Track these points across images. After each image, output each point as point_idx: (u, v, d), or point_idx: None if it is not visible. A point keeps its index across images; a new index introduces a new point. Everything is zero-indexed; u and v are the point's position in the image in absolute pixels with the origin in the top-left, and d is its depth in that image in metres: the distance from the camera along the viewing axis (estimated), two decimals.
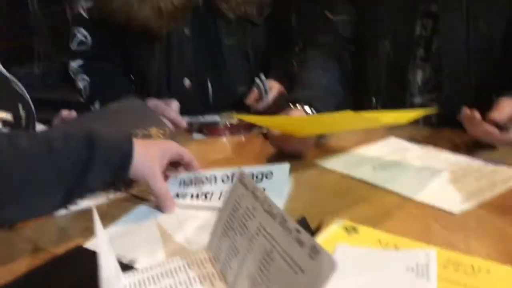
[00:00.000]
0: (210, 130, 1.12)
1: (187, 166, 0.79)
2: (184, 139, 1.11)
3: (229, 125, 1.12)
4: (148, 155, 0.68)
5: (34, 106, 1.04)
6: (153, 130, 0.92)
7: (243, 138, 1.08)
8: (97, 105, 1.19)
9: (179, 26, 1.20)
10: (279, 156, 0.91)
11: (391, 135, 0.99)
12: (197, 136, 1.12)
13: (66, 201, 0.62)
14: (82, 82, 1.23)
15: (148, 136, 0.89)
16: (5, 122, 0.78)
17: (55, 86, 5.12)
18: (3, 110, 0.79)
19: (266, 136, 0.97)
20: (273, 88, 1.19)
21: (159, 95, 1.20)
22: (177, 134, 1.10)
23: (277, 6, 1.29)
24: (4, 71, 0.88)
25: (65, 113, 1.03)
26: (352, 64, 1.15)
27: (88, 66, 1.24)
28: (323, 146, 0.97)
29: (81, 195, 0.65)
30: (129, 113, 1.00)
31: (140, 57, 1.23)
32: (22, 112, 0.85)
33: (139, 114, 1.01)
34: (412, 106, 1.06)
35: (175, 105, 1.13)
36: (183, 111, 1.15)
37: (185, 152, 0.77)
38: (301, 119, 0.91)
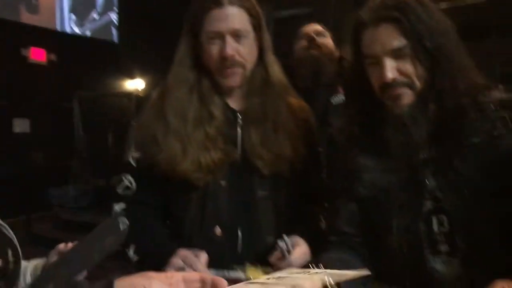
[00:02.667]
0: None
1: None
2: None
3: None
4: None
5: (65, 228, 1.10)
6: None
7: None
8: (132, 249, 1.27)
9: (216, 178, 1.31)
10: None
11: None
12: None
13: None
14: (121, 225, 1.32)
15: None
16: None
17: (87, 209, 5.35)
18: None
19: None
20: (298, 247, 1.22)
21: (190, 241, 1.27)
22: None
23: (308, 163, 1.38)
24: None
25: (61, 246, 1.09)
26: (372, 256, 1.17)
27: (129, 210, 1.34)
28: None
29: None
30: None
31: (178, 204, 1.33)
32: (10, 258, 0.90)
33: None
34: None
35: (203, 258, 1.17)
36: (211, 260, 1.19)
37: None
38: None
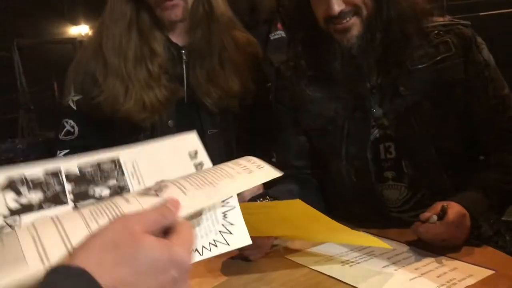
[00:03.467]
0: None
1: None
2: None
3: None
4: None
5: None
6: None
7: None
8: None
9: (163, 118, 1.27)
10: None
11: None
12: None
13: None
14: None
15: None
16: None
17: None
18: None
19: None
20: None
21: None
22: None
23: (258, 97, 1.35)
24: None
25: None
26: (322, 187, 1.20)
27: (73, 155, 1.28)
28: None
29: None
30: None
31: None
32: None
33: None
34: (395, 220, 1.09)
35: None
36: None
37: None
38: (256, 205, 0.92)
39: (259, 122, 1.40)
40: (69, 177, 0.60)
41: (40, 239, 0.49)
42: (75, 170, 0.61)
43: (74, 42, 5.89)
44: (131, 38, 1.22)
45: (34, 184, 0.58)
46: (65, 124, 1.30)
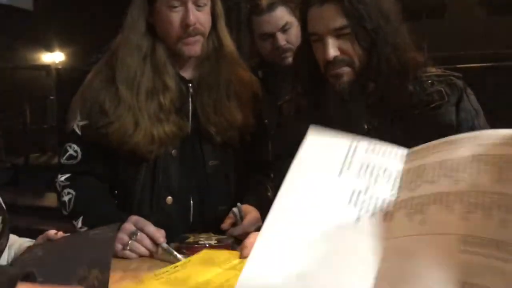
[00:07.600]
0: (189, 249, 1.15)
1: None
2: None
3: (207, 246, 1.15)
4: None
5: None
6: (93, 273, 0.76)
7: None
8: (80, 220, 1.23)
9: (168, 148, 1.30)
10: None
11: None
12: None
13: None
14: (67, 196, 1.27)
15: (85, 278, 0.74)
16: None
17: (3, 188, 5.01)
18: None
19: None
20: (249, 214, 1.25)
21: (140, 211, 1.25)
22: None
23: (256, 133, 1.41)
24: None
25: (51, 233, 1.03)
26: None
27: (74, 180, 1.29)
28: None
29: None
30: (89, 246, 0.85)
31: (127, 175, 1.30)
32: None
33: (95, 250, 0.83)
34: None
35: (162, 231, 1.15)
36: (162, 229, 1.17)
37: None
38: None
39: (256, 157, 1.45)
40: None
41: None
42: None
43: (48, 68, 5.85)
44: (145, 71, 1.26)
45: None
46: (68, 148, 1.31)
